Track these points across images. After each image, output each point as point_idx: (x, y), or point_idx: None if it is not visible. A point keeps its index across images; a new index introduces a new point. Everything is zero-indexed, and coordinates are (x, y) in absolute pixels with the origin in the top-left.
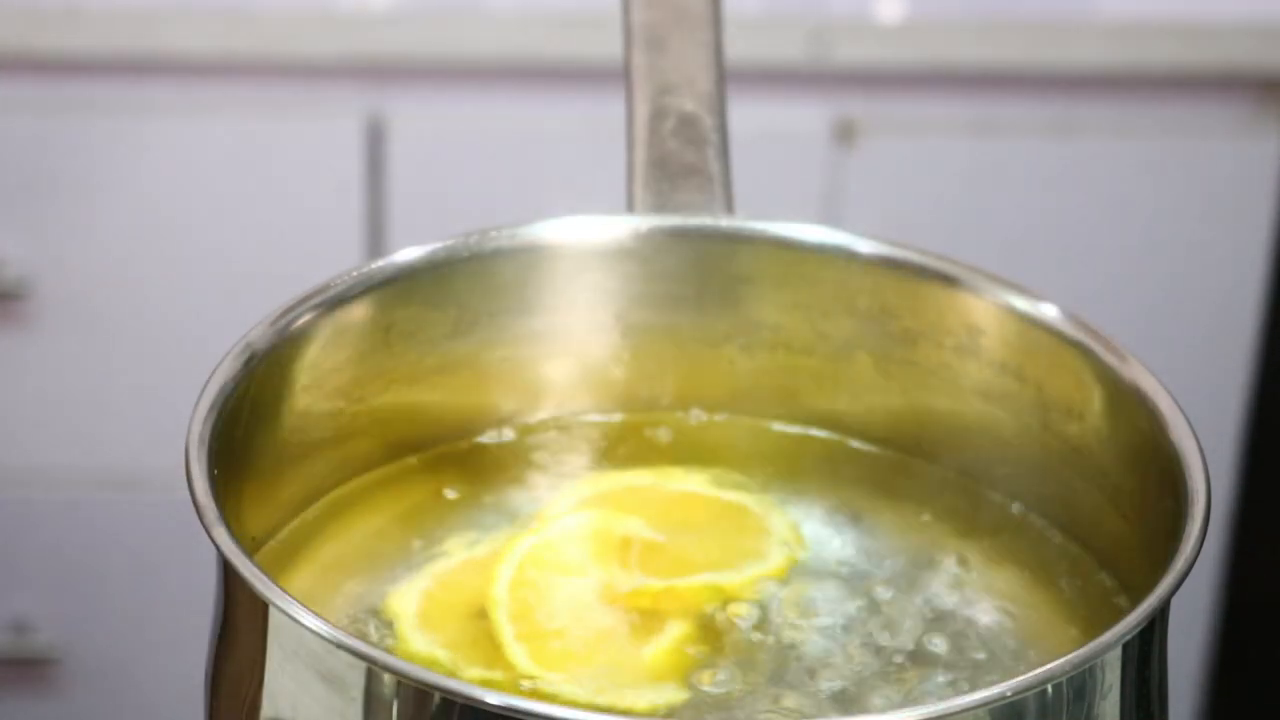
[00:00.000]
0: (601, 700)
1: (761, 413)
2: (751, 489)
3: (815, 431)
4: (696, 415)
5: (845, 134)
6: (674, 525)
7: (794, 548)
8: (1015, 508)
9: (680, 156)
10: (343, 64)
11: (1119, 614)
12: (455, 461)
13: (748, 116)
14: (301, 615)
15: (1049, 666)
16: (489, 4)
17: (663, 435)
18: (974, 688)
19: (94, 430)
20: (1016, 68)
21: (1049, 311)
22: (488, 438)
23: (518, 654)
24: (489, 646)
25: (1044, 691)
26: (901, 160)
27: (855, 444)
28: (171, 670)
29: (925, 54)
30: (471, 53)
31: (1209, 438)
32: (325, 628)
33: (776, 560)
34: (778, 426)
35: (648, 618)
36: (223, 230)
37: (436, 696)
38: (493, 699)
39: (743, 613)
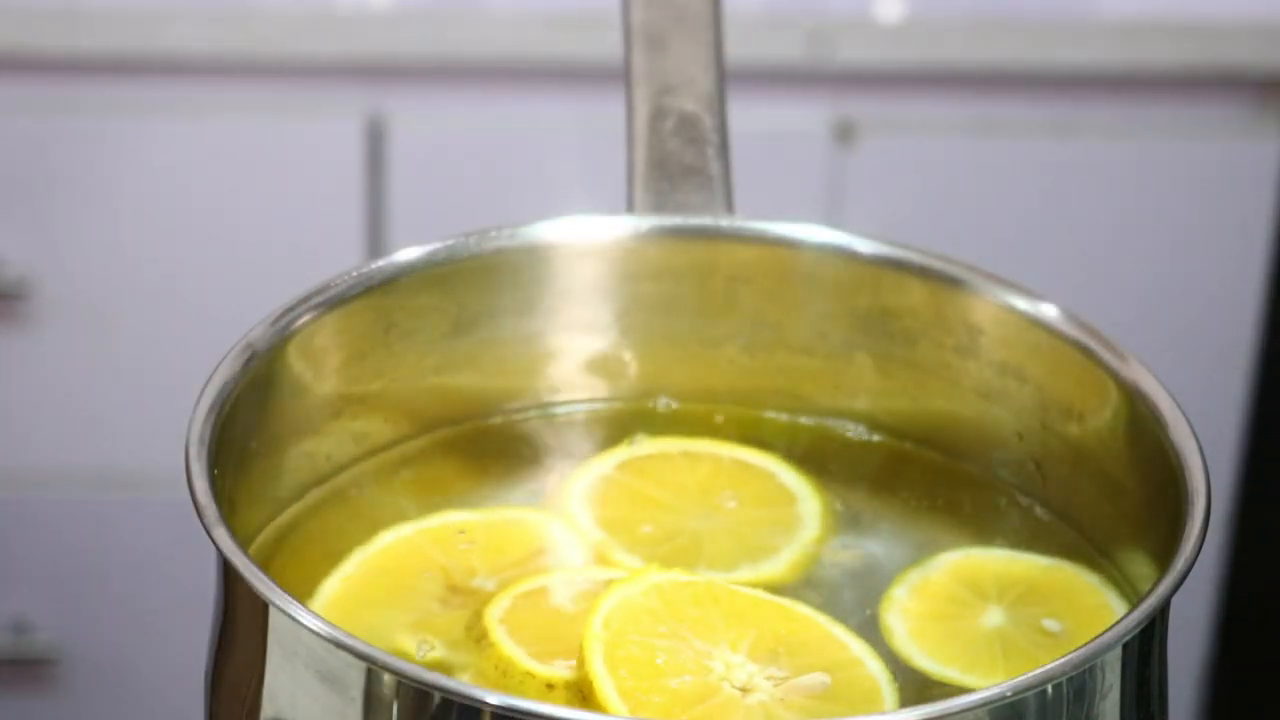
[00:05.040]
0: None
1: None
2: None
3: (810, 421)
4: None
5: (845, 134)
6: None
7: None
8: (1015, 507)
9: (680, 156)
10: (343, 64)
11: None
12: None
13: (748, 116)
14: (301, 615)
15: (1049, 666)
16: (489, 4)
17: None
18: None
19: (94, 430)
20: (1016, 68)
21: (1049, 311)
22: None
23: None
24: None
25: (1044, 691)
26: (901, 160)
27: (855, 436)
28: (171, 670)
29: (925, 54)
30: (471, 53)
31: (1209, 438)
32: (325, 628)
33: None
34: (781, 416)
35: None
36: (223, 230)
37: (436, 696)
38: (493, 699)
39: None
